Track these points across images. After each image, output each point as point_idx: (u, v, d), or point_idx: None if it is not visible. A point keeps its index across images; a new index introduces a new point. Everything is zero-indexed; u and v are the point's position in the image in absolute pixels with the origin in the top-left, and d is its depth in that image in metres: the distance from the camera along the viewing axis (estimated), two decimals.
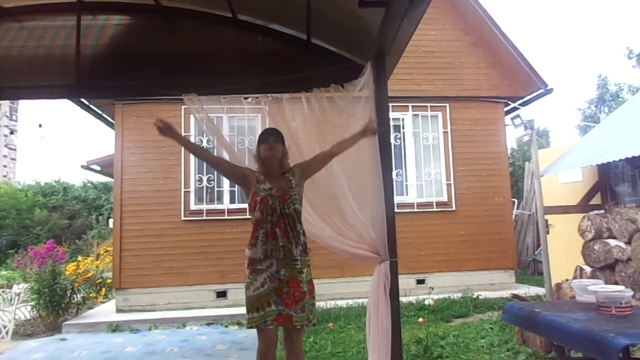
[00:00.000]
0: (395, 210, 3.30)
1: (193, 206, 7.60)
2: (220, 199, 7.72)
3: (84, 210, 20.25)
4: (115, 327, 6.56)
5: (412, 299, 6.66)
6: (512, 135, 25.21)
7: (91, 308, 7.89)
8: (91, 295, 8.29)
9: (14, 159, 70.00)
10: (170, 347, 5.62)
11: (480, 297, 7.05)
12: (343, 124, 3.39)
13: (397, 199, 3.38)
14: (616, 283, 4.71)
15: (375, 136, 3.17)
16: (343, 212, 3.30)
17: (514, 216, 10.01)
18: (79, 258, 10.87)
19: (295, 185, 2.92)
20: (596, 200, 7.05)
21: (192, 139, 7.70)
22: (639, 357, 3.12)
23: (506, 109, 8.54)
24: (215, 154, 7.76)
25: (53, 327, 6.76)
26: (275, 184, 2.91)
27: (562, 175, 7.48)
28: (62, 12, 3.83)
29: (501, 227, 8.19)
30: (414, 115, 8.26)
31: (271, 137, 2.95)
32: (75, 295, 7.31)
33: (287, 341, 2.95)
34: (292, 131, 3.43)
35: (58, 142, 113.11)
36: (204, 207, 7.63)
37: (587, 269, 5.21)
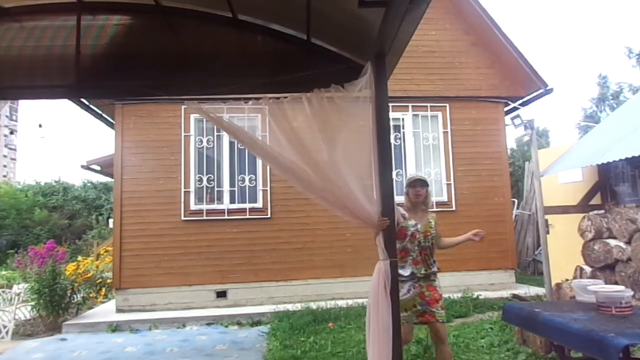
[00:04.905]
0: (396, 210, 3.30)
1: (193, 206, 7.60)
2: (220, 199, 7.72)
3: (84, 210, 20.23)
4: (115, 327, 6.56)
5: None
6: (512, 135, 25.29)
7: (91, 308, 7.89)
8: (91, 295, 8.29)
9: (14, 159, 70.01)
10: (170, 347, 5.63)
11: (480, 297, 7.06)
12: (344, 124, 3.38)
13: (397, 199, 3.36)
14: (616, 283, 4.71)
15: (375, 136, 3.18)
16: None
17: (514, 216, 10.01)
18: (79, 258, 10.87)
19: (434, 226, 3.80)
20: (596, 200, 7.05)
21: (192, 139, 7.71)
22: (639, 357, 3.12)
23: (506, 109, 8.54)
24: (215, 154, 7.84)
25: (53, 327, 6.76)
26: (418, 220, 3.75)
27: (562, 175, 7.47)
28: (62, 12, 3.82)
29: (501, 227, 8.19)
30: (414, 115, 8.26)
31: (417, 184, 3.80)
32: (75, 295, 7.32)
33: (434, 334, 3.67)
34: (296, 131, 3.42)
35: (58, 142, 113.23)
36: (204, 207, 7.63)
37: (587, 269, 5.21)
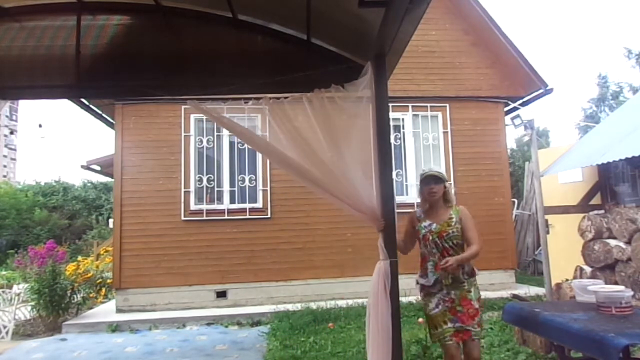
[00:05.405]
0: (396, 210, 3.30)
1: (193, 206, 7.60)
2: (220, 199, 7.72)
3: (84, 210, 20.24)
4: (115, 327, 6.56)
5: (412, 299, 6.65)
6: (512, 135, 25.27)
7: (91, 308, 7.89)
8: (91, 295, 8.29)
9: (14, 159, 70.01)
10: (170, 347, 5.63)
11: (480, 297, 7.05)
12: (345, 124, 3.39)
13: (397, 199, 3.36)
14: (616, 283, 4.71)
15: (375, 136, 3.19)
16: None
17: (514, 216, 10.00)
18: (79, 258, 10.87)
19: (455, 223, 3.30)
20: (596, 200, 7.04)
21: (192, 139, 7.71)
22: (639, 357, 3.12)
23: (506, 109, 8.54)
24: (215, 154, 7.84)
25: (53, 327, 6.76)
26: (434, 219, 3.34)
27: (562, 175, 7.47)
28: (62, 12, 3.82)
29: (501, 227, 8.19)
30: (414, 115, 8.26)
31: (431, 181, 3.36)
32: (75, 295, 7.32)
33: (466, 354, 3.22)
34: (297, 131, 3.43)
35: (58, 142, 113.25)
36: (204, 207, 7.63)
37: (587, 269, 5.21)
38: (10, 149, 69.26)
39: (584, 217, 5.43)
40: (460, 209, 3.39)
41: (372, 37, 3.15)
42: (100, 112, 8.21)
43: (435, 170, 3.48)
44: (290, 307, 6.94)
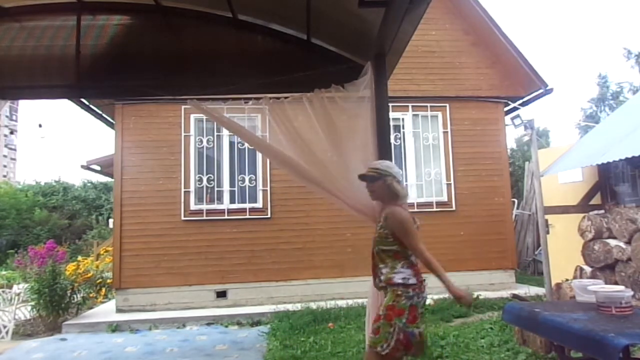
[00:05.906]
0: None
1: (193, 206, 7.60)
2: (220, 199, 7.72)
3: (84, 210, 20.23)
4: (115, 327, 6.56)
5: None
6: (512, 135, 25.27)
7: (91, 308, 7.88)
8: (91, 295, 8.28)
9: (14, 159, 70.03)
10: (170, 347, 5.63)
11: (480, 297, 7.04)
12: (345, 124, 3.39)
13: None
14: (616, 283, 4.71)
15: (375, 136, 3.19)
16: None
17: (514, 216, 10.00)
18: (79, 258, 10.86)
19: (380, 227, 2.86)
20: (596, 200, 7.04)
21: (192, 139, 7.71)
22: (639, 357, 3.12)
23: (506, 109, 8.54)
24: (215, 154, 7.84)
25: (53, 327, 6.76)
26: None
27: (562, 175, 7.47)
28: (62, 12, 3.83)
29: (501, 227, 8.19)
30: (414, 115, 8.26)
31: (367, 179, 2.91)
32: (75, 295, 7.31)
33: None
34: (297, 130, 3.43)
35: (58, 142, 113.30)
36: (204, 207, 7.62)
37: (587, 269, 5.21)
38: (10, 149, 69.27)
39: (584, 217, 5.43)
40: (390, 212, 2.81)
41: (372, 37, 3.16)
42: (100, 112, 8.21)
43: (370, 167, 2.94)
44: (290, 307, 6.94)
